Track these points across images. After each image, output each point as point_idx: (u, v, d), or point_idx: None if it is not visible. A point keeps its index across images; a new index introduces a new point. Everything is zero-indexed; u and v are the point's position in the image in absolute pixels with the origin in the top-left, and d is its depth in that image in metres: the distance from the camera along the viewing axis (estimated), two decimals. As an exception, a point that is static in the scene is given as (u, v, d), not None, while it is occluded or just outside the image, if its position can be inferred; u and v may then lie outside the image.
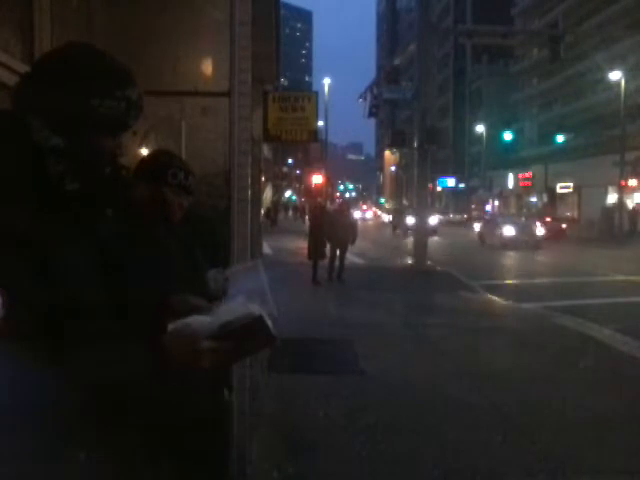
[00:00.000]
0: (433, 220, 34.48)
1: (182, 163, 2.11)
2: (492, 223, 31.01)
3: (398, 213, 43.34)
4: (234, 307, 1.32)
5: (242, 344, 1.28)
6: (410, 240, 23.42)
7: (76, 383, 1.10)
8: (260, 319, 1.28)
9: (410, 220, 33.37)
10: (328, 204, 21.69)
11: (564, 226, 36.05)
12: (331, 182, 66.29)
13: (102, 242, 1.25)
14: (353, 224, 14.52)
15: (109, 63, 1.26)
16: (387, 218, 55.91)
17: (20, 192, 1.11)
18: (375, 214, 77.39)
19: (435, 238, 29.39)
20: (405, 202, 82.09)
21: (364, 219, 68.68)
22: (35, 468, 1.11)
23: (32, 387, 1.07)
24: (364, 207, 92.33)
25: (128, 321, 1.22)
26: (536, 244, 26.77)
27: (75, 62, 1.22)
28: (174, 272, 1.76)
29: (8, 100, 1.27)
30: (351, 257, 16.65)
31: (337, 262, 13.73)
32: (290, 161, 63.30)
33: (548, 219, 36.45)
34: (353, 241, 14.24)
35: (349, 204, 18.35)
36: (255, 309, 1.31)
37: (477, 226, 35.24)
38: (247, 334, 1.27)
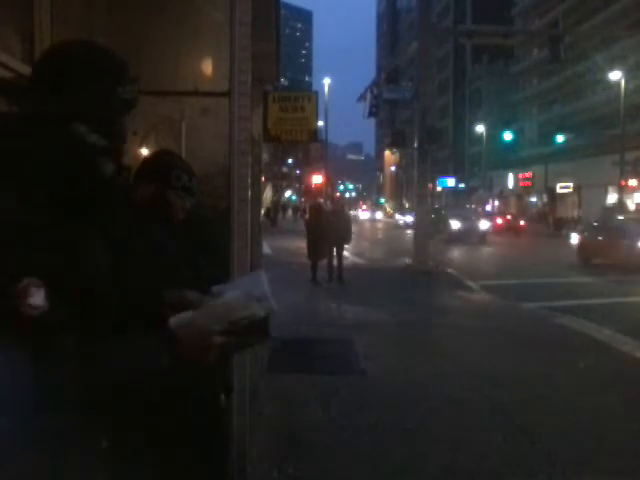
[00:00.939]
0: (483, 225, 32.36)
1: (185, 164, 2.09)
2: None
3: (437, 215, 32.56)
4: (236, 304, 1.34)
5: (241, 340, 1.32)
6: (464, 253, 22.51)
7: (102, 378, 1.12)
8: (265, 319, 1.30)
9: (456, 224, 31.52)
10: (328, 203, 21.67)
11: (522, 222, 41.03)
12: (331, 182, 66.10)
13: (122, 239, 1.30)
14: (348, 223, 14.47)
15: (109, 53, 1.32)
16: (402, 220, 48.13)
17: (82, 192, 1.14)
18: (389, 215, 72.16)
19: (487, 249, 26.13)
20: (405, 202, 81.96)
21: (373, 220, 65.77)
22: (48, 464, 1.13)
23: (60, 383, 1.07)
24: (364, 207, 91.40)
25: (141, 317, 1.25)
26: (481, 237, 30.32)
27: (85, 60, 1.27)
28: (174, 273, 1.75)
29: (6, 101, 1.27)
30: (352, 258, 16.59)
31: (335, 262, 13.73)
32: (290, 161, 63.24)
33: (509, 216, 42.98)
34: (348, 240, 14.25)
35: (343, 203, 18.34)
36: (257, 308, 1.33)
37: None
38: (249, 331, 1.30)
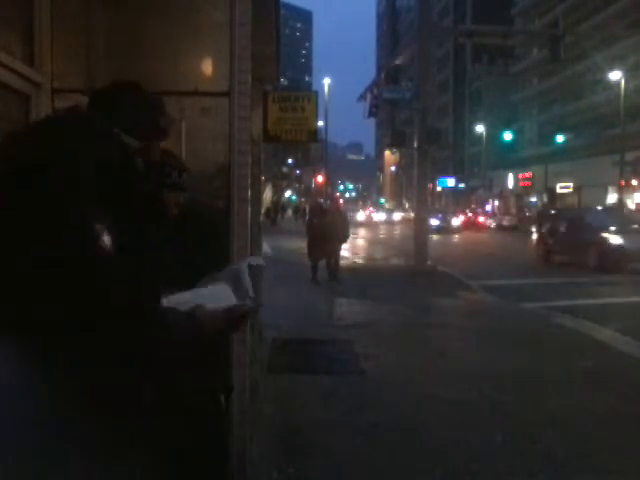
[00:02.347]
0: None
1: (175, 160, 2.10)
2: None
3: (552, 220, 22.19)
4: (219, 295, 1.40)
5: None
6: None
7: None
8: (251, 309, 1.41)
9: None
10: (328, 203, 21.70)
11: (482, 219, 51.97)
12: (331, 182, 65.91)
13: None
14: (346, 223, 14.53)
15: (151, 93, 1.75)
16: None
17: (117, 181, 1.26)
18: (405, 219, 53.45)
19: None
20: (405, 202, 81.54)
21: (390, 222, 55.56)
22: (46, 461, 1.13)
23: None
24: (370, 208, 79.49)
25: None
26: (453, 230, 40.59)
27: (139, 93, 1.69)
28: (167, 269, 1.75)
29: (10, 101, 1.29)
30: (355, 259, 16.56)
31: (332, 261, 13.78)
32: (290, 161, 63.26)
33: (470, 214, 53.53)
34: (345, 239, 14.33)
35: (339, 203, 18.39)
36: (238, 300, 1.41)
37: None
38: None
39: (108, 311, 1.09)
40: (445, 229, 40.08)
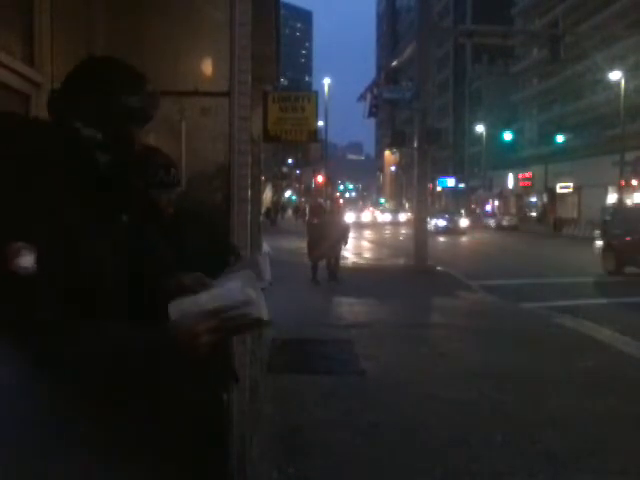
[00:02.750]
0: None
1: (162, 158, 2.07)
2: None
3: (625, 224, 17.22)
4: (228, 291, 1.37)
5: (230, 327, 1.34)
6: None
7: (88, 367, 1.14)
8: (253, 307, 1.34)
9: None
10: (328, 203, 21.72)
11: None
12: (331, 182, 65.75)
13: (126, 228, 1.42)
14: (346, 223, 14.60)
15: (129, 67, 1.46)
16: (432, 223, 37.15)
17: (70, 178, 1.26)
18: (411, 220, 45.77)
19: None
20: (405, 202, 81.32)
21: (396, 223, 52.14)
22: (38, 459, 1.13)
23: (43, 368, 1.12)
24: (370, 208, 76.31)
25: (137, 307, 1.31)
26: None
27: (105, 68, 1.44)
28: (163, 269, 1.74)
29: (9, 101, 1.30)
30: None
31: (332, 261, 13.79)
32: (290, 161, 63.22)
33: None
34: (345, 241, 14.35)
35: (341, 203, 18.42)
36: (250, 294, 1.35)
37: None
38: (236, 320, 1.33)
39: (28, 327, 1.11)
40: (452, 230, 39.36)
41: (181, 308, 1.29)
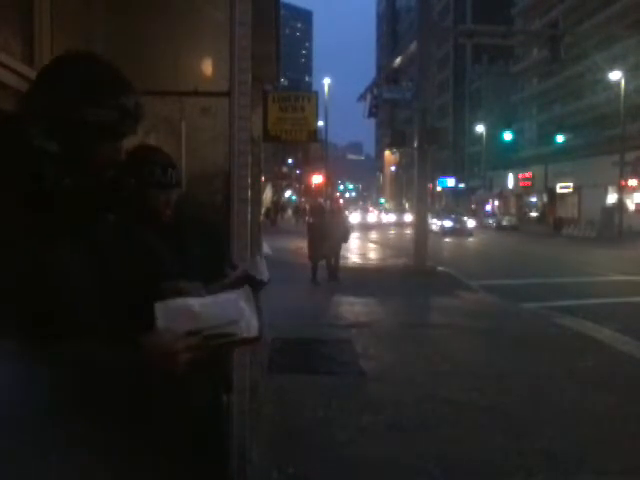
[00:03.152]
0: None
1: (159, 157, 2.02)
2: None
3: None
4: (225, 305, 1.35)
5: (212, 345, 1.32)
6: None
7: (61, 381, 1.13)
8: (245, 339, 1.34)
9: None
10: (328, 203, 21.75)
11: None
12: (331, 182, 65.68)
13: (96, 243, 1.30)
14: (346, 223, 14.61)
15: (106, 72, 1.29)
16: (437, 224, 40.03)
17: (13, 190, 1.16)
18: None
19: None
20: (405, 202, 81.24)
21: (401, 224, 50.17)
22: (23, 467, 1.13)
23: (17, 385, 1.10)
24: (371, 208, 76.26)
25: (114, 320, 1.25)
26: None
27: (72, 71, 1.27)
28: (162, 272, 1.73)
29: (9, 101, 1.29)
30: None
31: (332, 261, 13.79)
32: (290, 161, 63.19)
33: None
34: (346, 240, 14.37)
35: (340, 203, 18.45)
36: (243, 309, 1.34)
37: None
38: (219, 339, 1.32)
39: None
40: (459, 231, 37.93)
41: (167, 307, 1.28)
